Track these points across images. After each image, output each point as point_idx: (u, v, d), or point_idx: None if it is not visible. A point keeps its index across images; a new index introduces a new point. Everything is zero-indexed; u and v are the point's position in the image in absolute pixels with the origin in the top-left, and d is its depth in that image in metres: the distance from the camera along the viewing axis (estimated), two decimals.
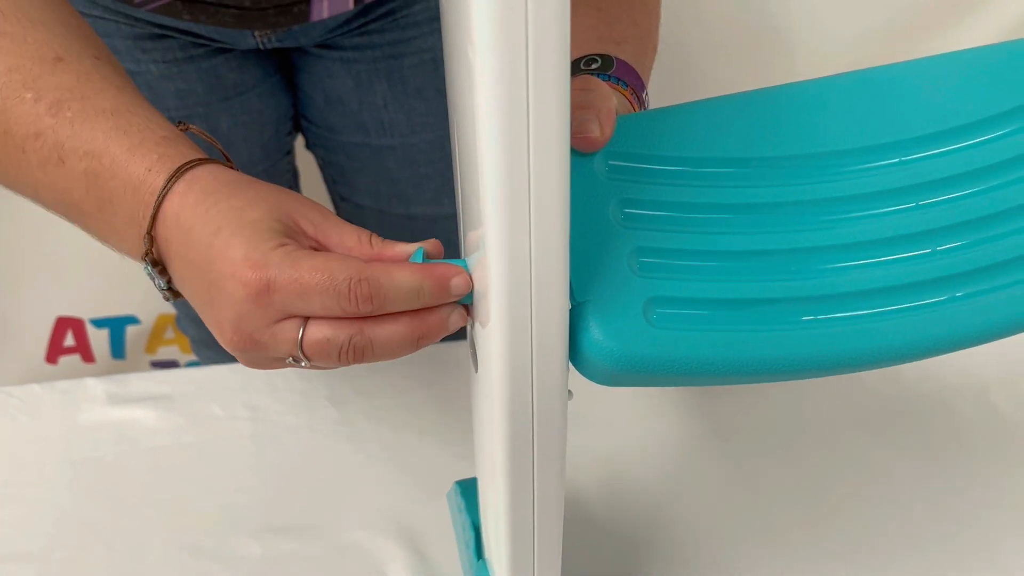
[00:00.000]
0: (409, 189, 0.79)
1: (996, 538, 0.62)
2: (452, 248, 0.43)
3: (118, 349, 1.22)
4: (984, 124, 0.42)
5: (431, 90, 0.74)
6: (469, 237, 0.40)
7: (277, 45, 0.70)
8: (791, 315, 0.37)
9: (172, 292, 0.42)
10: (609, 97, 0.41)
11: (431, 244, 0.39)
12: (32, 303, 1.17)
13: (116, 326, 1.21)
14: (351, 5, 0.67)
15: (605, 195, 0.39)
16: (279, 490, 0.64)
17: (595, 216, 0.38)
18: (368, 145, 0.77)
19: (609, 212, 0.39)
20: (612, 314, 0.36)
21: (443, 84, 0.73)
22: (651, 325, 0.36)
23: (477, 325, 0.39)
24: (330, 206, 0.87)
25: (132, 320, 1.20)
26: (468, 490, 0.58)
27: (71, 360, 1.21)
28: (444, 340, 0.40)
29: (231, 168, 0.42)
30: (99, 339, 1.21)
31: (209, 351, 0.95)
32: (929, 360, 0.75)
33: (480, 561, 0.54)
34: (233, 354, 0.39)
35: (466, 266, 0.38)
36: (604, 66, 0.47)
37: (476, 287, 0.37)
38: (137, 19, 0.65)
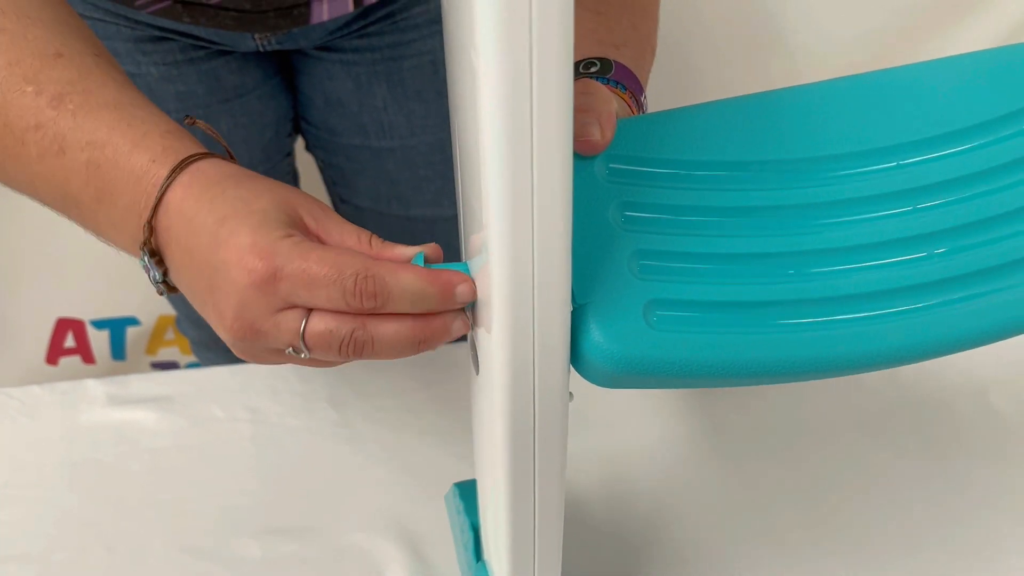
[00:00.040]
0: (409, 191, 0.79)
1: (996, 538, 0.62)
2: (452, 250, 0.43)
3: (118, 350, 1.22)
4: (981, 128, 0.43)
5: (431, 92, 0.74)
6: (471, 241, 0.40)
7: (277, 47, 0.70)
8: (790, 318, 0.37)
9: (167, 285, 0.42)
10: (609, 100, 0.41)
11: (431, 249, 0.39)
12: (32, 304, 1.17)
13: (116, 327, 1.21)
14: (351, 8, 0.67)
15: (605, 198, 0.40)
16: (279, 492, 0.64)
17: (595, 219, 0.39)
18: (368, 147, 0.77)
19: (609, 215, 0.39)
20: (612, 316, 0.36)
21: (443, 86, 0.73)
22: (651, 327, 0.36)
23: (478, 328, 0.39)
24: None
25: (132, 321, 1.21)
26: (467, 492, 0.58)
27: (71, 361, 1.21)
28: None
29: (235, 163, 0.42)
30: (99, 340, 1.21)
31: (209, 352, 0.95)
32: (928, 361, 0.75)
33: (479, 563, 0.54)
34: (231, 344, 0.39)
35: (468, 269, 0.38)
36: (603, 69, 0.48)
37: (478, 291, 0.37)
38: (137, 22, 0.66)
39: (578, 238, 0.33)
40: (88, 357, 1.22)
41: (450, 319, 0.38)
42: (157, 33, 0.67)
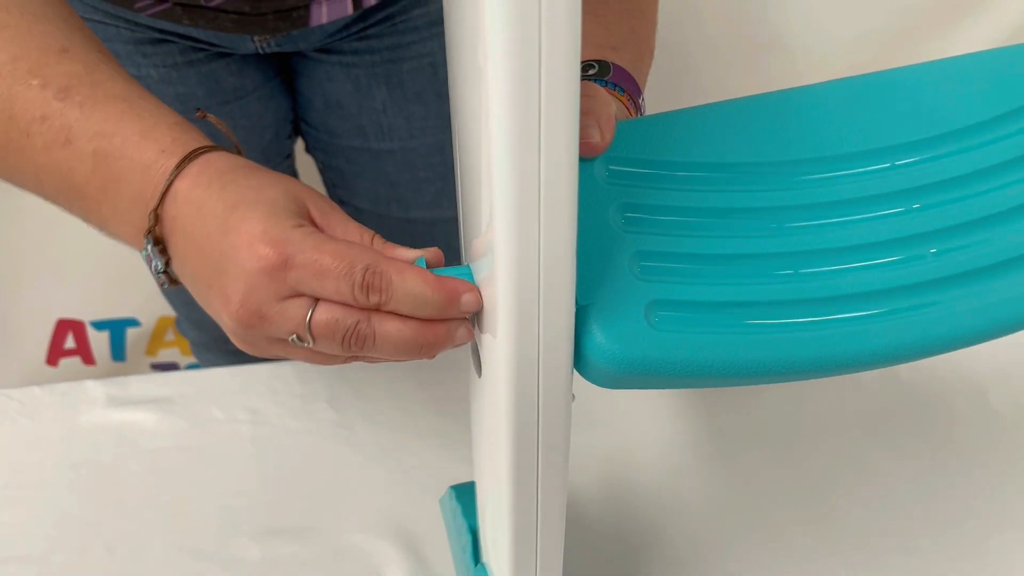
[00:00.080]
0: (408, 193, 0.79)
1: (992, 536, 0.62)
2: (452, 252, 0.43)
3: (118, 351, 1.22)
4: (974, 129, 0.43)
5: (430, 94, 0.74)
6: (473, 244, 0.40)
7: (276, 50, 0.70)
8: (791, 317, 0.38)
9: (168, 276, 0.42)
10: (608, 103, 0.41)
11: (432, 253, 0.39)
12: (32, 305, 1.17)
13: (116, 328, 1.21)
14: (350, 10, 0.67)
15: (606, 200, 0.40)
16: (278, 493, 0.64)
17: (596, 221, 0.39)
18: (367, 149, 0.77)
19: (610, 216, 0.39)
20: (614, 317, 0.36)
21: (442, 88, 0.74)
22: (653, 328, 0.36)
23: (482, 332, 0.39)
24: None
25: (132, 322, 1.21)
26: (464, 494, 0.58)
27: (71, 362, 1.21)
28: None
29: (243, 157, 0.42)
30: (99, 341, 1.21)
31: (209, 354, 0.95)
32: (926, 361, 0.76)
33: (479, 566, 0.54)
34: (232, 331, 0.39)
35: (470, 272, 0.38)
36: (601, 72, 0.48)
37: (482, 295, 0.37)
38: (137, 24, 0.66)
39: (579, 240, 0.33)
40: (88, 358, 1.22)
41: (454, 326, 0.38)
42: (157, 35, 0.67)
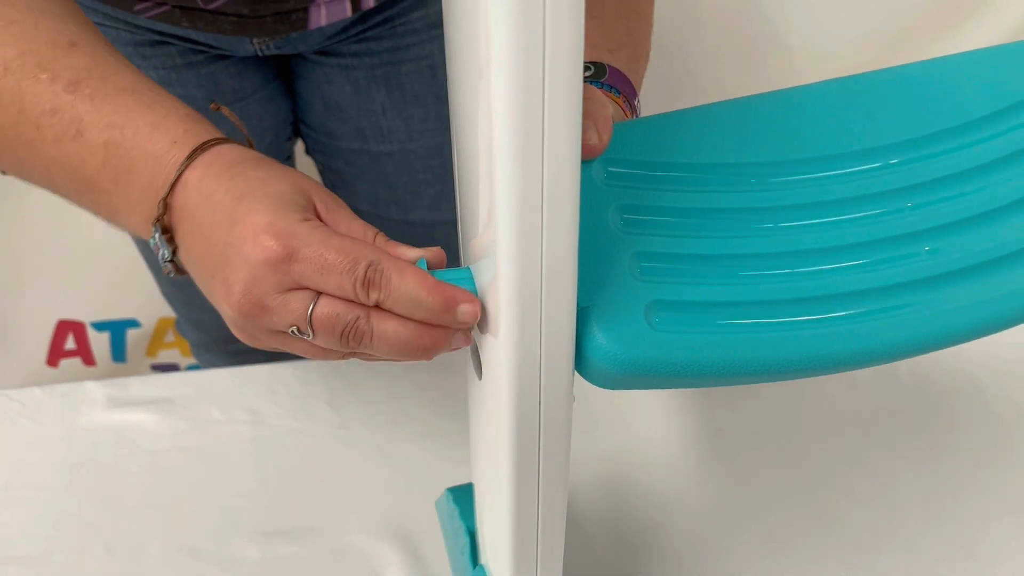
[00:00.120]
0: (407, 195, 0.79)
1: (991, 536, 0.62)
2: (451, 253, 0.43)
3: (119, 352, 1.22)
4: (966, 128, 0.44)
5: (429, 97, 0.74)
6: (471, 244, 0.40)
7: (275, 52, 0.70)
8: (788, 316, 0.38)
9: (175, 265, 0.42)
10: (605, 105, 0.41)
11: (433, 253, 0.39)
12: (33, 306, 1.17)
13: (117, 329, 1.21)
14: (349, 12, 0.67)
15: (604, 201, 0.40)
16: (278, 493, 0.64)
17: (595, 222, 0.39)
18: (367, 151, 0.77)
19: (609, 218, 0.39)
20: (614, 319, 0.36)
21: (441, 91, 0.74)
22: (653, 328, 0.36)
23: (483, 334, 0.39)
24: None
25: (133, 323, 1.21)
26: (461, 496, 0.58)
27: (72, 363, 1.21)
28: None
29: (254, 150, 0.42)
30: (100, 342, 1.21)
31: (209, 355, 0.95)
32: (925, 361, 0.76)
33: (477, 567, 0.54)
34: (232, 321, 0.39)
35: (470, 274, 0.38)
36: (597, 74, 0.48)
37: (482, 298, 0.37)
38: (137, 26, 0.66)
39: (579, 242, 0.33)
40: (88, 359, 1.22)
41: (452, 331, 0.38)
42: (156, 37, 0.67)
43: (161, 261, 0.42)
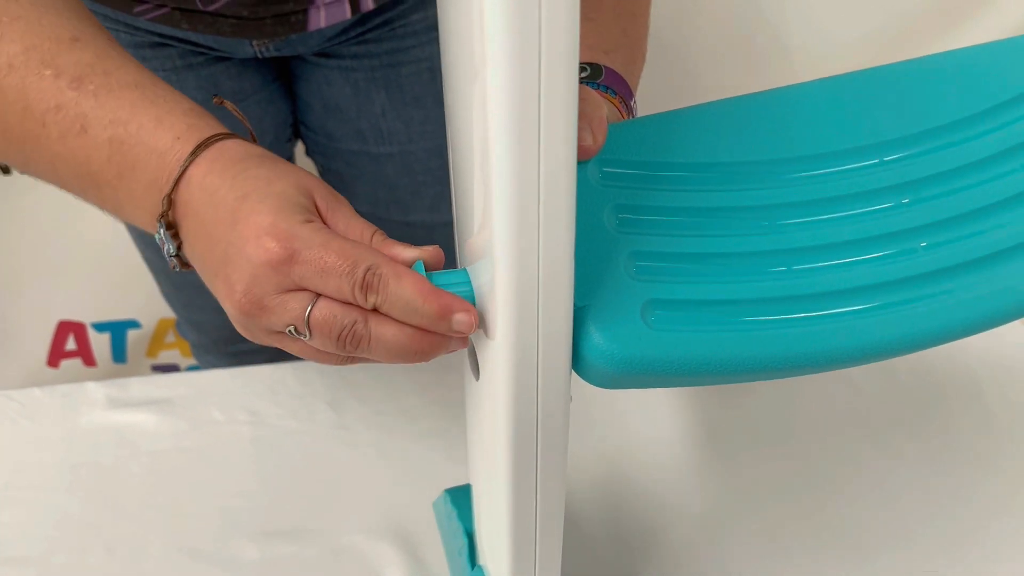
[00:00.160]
0: (407, 196, 0.80)
1: (989, 536, 0.63)
2: (451, 254, 0.44)
3: (119, 353, 1.22)
4: (963, 123, 0.44)
5: (429, 98, 0.74)
6: (467, 244, 0.40)
7: (275, 54, 0.70)
8: (785, 313, 0.38)
9: (179, 260, 0.43)
10: (600, 106, 0.41)
11: (432, 251, 0.39)
12: (34, 307, 1.17)
13: (117, 330, 1.21)
14: (348, 14, 0.67)
15: (600, 202, 0.40)
16: (277, 494, 0.64)
17: (591, 223, 0.39)
18: (366, 153, 0.78)
19: (604, 218, 0.39)
20: (611, 318, 0.36)
21: (441, 93, 0.73)
22: (649, 327, 0.36)
23: (480, 335, 0.39)
24: None
25: (133, 324, 1.21)
26: (459, 498, 0.59)
27: (72, 364, 1.21)
28: None
29: (257, 146, 0.42)
30: (100, 343, 1.21)
31: (209, 355, 0.95)
32: (922, 360, 0.76)
33: (476, 568, 0.54)
34: (234, 317, 0.40)
35: (467, 275, 0.38)
36: (593, 75, 0.48)
37: (479, 300, 0.37)
38: (137, 28, 0.66)
39: (575, 242, 0.33)
40: (89, 360, 1.22)
41: (448, 337, 0.38)
42: (156, 39, 0.67)
43: (166, 255, 0.43)
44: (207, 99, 0.71)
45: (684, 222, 0.40)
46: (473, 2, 0.30)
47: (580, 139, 0.40)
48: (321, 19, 0.66)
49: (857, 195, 0.41)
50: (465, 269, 0.39)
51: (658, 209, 0.40)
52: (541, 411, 0.36)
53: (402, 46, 0.72)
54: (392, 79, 0.73)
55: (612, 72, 0.48)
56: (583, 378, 0.37)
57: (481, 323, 0.38)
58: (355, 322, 0.37)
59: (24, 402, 0.70)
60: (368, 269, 0.37)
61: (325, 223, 0.40)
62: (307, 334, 0.38)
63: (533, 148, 0.30)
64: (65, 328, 1.19)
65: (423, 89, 0.74)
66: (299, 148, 0.86)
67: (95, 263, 1.14)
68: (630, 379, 0.37)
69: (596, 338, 0.36)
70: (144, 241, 0.83)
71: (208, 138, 0.41)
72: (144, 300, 1.15)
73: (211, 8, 0.62)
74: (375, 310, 0.37)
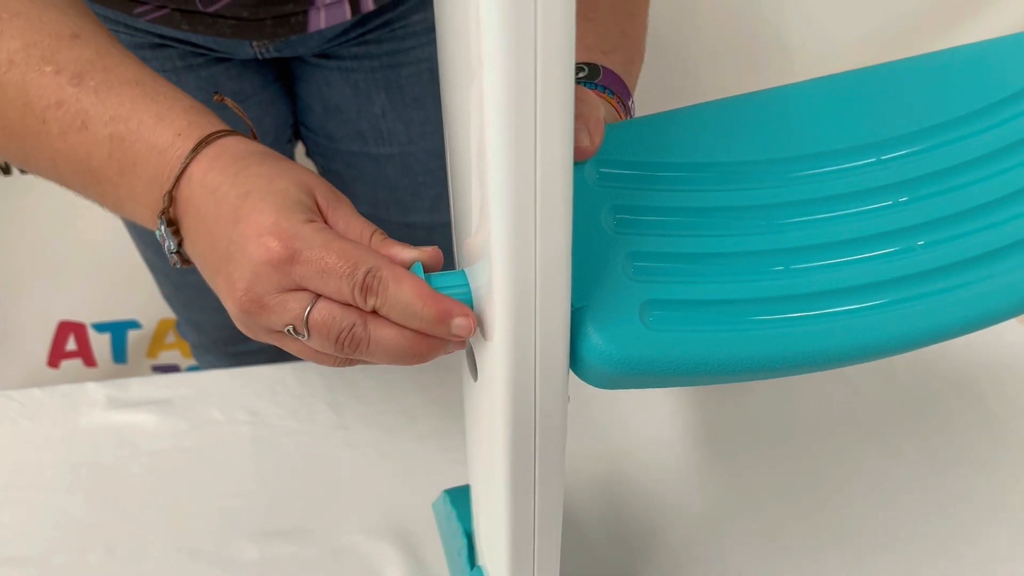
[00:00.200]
0: (407, 197, 0.80)
1: (985, 532, 0.63)
2: (450, 255, 0.44)
3: (119, 353, 1.22)
4: (957, 123, 0.44)
5: (429, 99, 0.74)
6: (464, 245, 0.41)
7: (275, 55, 0.70)
8: (781, 313, 0.38)
9: (180, 256, 0.43)
10: (597, 106, 0.41)
11: (429, 253, 0.39)
12: (34, 307, 1.18)
13: (118, 330, 1.21)
14: (348, 15, 0.67)
15: (597, 202, 0.40)
16: (277, 494, 0.65)
17: (589, 223, 0.39)
18: (366, 154, 0.78)
19: (602, 219, 0.40)
20: (609, 319, 0.36)
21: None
22: (647, 328, 0.36)
23: (478, 336, 0.39)
24: None
25: (134, 324, 1.21)
26: (458, 498, 0.59)
27: (73, 364, 1.22)
28: None
29: (258, 143, 0.42)
30: (101, 343, 1.21)
31: (209, 356, 0.95)
32: (921, 360, 0.76)
33: (475, 569, 0.54)
34: (234, 315, 0.40)
35: (465, 276, 0.38)
36: (591, 75, 0.48)
37: (477, 301, 0.37)
38: (136, 29, 0.66)
39: (573, 243, 0.33)
40: (89, 360, 1.22)
41: (447, 340, 0.38)
42: (156, 40, 0.67)
43: (167, 252, 0.43)
44: (207, 100, 0.71)
45: (682, 222, 0.40)
46: (470, 2, 0.30)
47: (577, 140, 0.40)
48: (321, 20, 0.66)
49: (855, 194, 0.41)
50: (463, 271, 0.39)
51: (656, 209, 0.40)
52: (539, 411, 0.36)
53: (402, 47, 0.72)
54: (392, 80, 0.73)
55: (610, 72, 0.49)
56: (582, 378, 0.37)
57: (479, 324, 0.38)
58: (354, 325, 0.37)
59: (24, 402, 0.70)
60: (368, 272, 0.37)
61: (326, 221, 0.40)
62: (306, 334, 0.38)
63: (529, 149, 0.30)
64: (65, 328, 1.20)
65: (423, 90, 0.74)
66: (299, 149, 0.86)
67: (95, 263, 1.14)
68: (629, 379, 0.37)
69: (594, 339, 0.36)
70: (144, 241, 0.83)
71: (209, 135, 0.41)
72: (144, 300, 1.15)
73: (211, 9, 0.62)
74: (374, 312, 0.38)
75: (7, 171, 1.08)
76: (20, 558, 0.60)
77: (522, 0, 0.28)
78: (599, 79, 0.48)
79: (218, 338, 0.91)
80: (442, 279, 0.38)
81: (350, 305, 0.38)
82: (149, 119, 0.41)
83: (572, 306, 0.36)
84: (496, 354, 0.35)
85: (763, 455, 0.68)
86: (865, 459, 0.67)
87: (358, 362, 0.40)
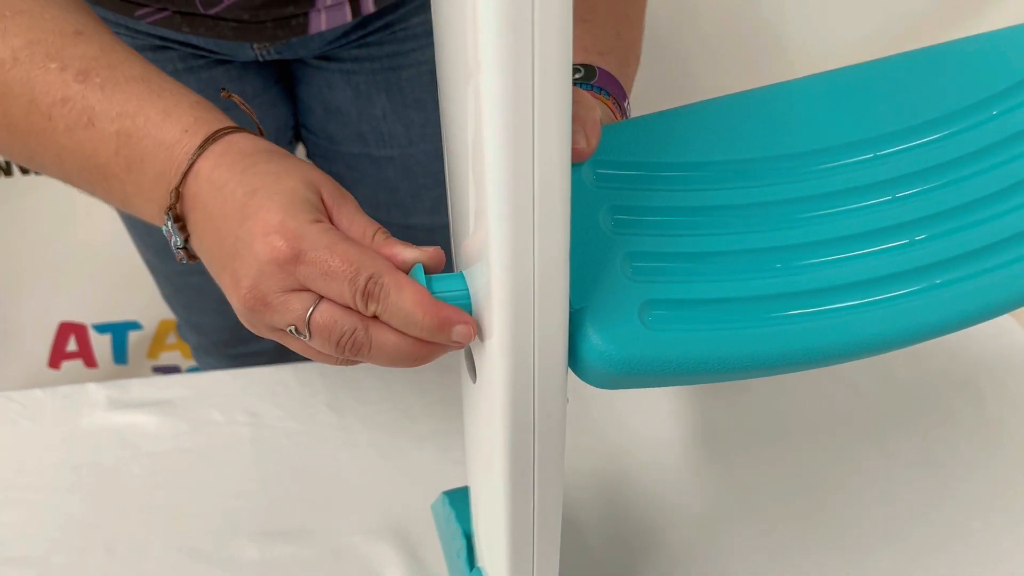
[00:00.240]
0: (408, 199, 0.80)
1: (984, 531, 0.63)
2: (449, 257, 0.44)
3: (120, 354, 1.23)
4: (953, 117, 0.44)
5: (429, 101, 0.74)
6: (462, 246, 0.41)
7: (276, 57, 0.70)
8: (780, 310, 0.38)
9: (187, 252, 0.43)
10: (593, 108, 0.41)
11: (431, 254, 0.39)
12: (35, 308, 1.18)
13: (118, 331, 1.21)
14: (348, 18, 0.67)
15: (595, 203, 0.40)
16: (277, 494, 0.65)
17: (587, 224, 0.39)
18: (367, 155, 0.78)
19: (600, 219, 0.40)
20: (609, 319, 0.36)
21: None
22: (647, 328, 0.37)
23: (476, 338, 0.39)
24: None
25: (134, 325, 1.21)
26: (457, 500, 0.59)
27: (73, 365, 1.22)
28: None
29: (264, 139, 0.42)
30: (101, 344, 1.21)
31: (209, 358, 0.95)
32: (920, 360, 0.76)
33: (474, 570, 0.54)
34: (238, 311, 0.40)
35: (464, 279, 0.38)
36: (587, 76, 0.48)
37: (476, 303, 0.38)
38: (137, 31, 0.66)
39: (572, 244, 0.34)
40: (90, 361, 1.22)
41: (447, 345, 0.38)
42: (157, 42, 0.67)
43: (173, 248, 0.43)
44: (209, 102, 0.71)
45: (679, 221, 0.40)
46: (466, 5, 0.30)
47: (573, 141, 0.40)
48: (322, 22, 0.66)
49: (853, 190, 0.41)
50: (462, 273, 0.39)
51: (653, 209, 0.41)
52: (538, 412, 0.36)
53: (403, 49, 0.72)
54: (393, 82, 0.73)
55: (605, 73, 0.49)
56: (582, 379, 0.37)
57: (478, 325, 0.38)
58: (355, 329, 0.38)
59: (25, 403, 0.70)
60: (370, 278, 0.37)
61: (331, 219, 0.40)
62: (307, 335, 0.38)
63: (527, 150, 0.30)
64: (66, 329, 1.20)
65: (424, 92, 0.74)
66: (300, 151, 0.86)
67: (96, 264, 1.14)
68: (629, 379, 0.37)
69: (594, 339, 0.36)
70: (144, 243, 0.83)
71: (216, 131, 0.41)
72: (145, 302, 1.15)
73: (212, 11, 0.63)
74: (375, 317, 0.38)
75: (8, 172, 1.08)
76: (21, 558, 0.60)
77: (520, 2, 0.28)
78: (595, 80, 0.48)
79: (218, 340, 0.91)
80: (442, 283, 0.38)
81: (352, 309, 0.38)
82: (155, 115, 0.41)
83: (571, 307, 0.36)
84: (495, 356, 0.35)
85: (763, 455, 0.68)
86: (864, 459, 0.67)
87: (359, 362, 0.40)
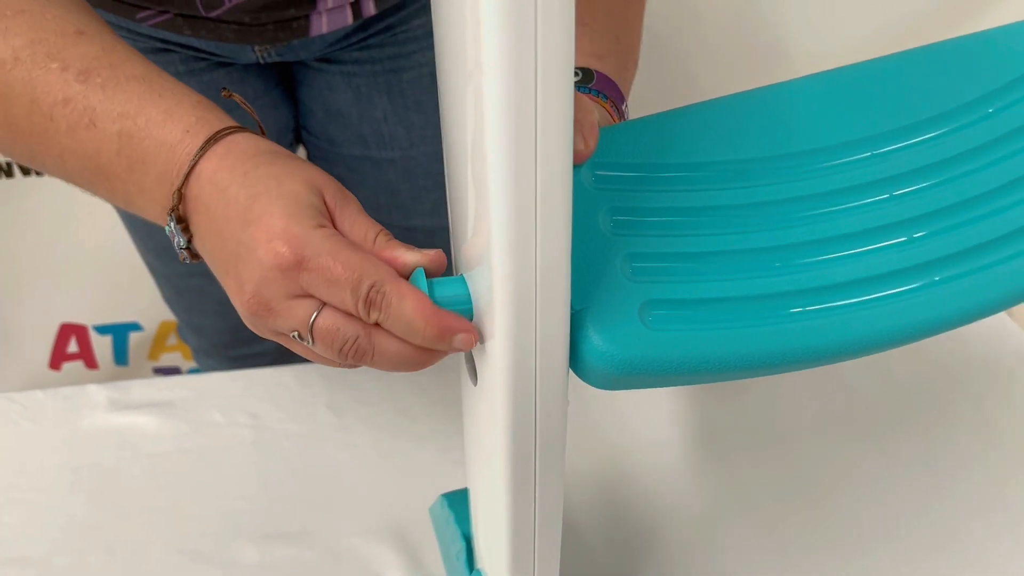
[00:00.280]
0: (408, 201, 0.80)
1: (983, 531, 0.63)
2: (450, 259, 0.44)
3: (121, 355, 1.23)
4: (949, 115, 0.44)
5: (430, 104, 0.74)
6: (462, 250, 0.41)
7: (277, 59, 0.70)
8: (780, 309, 0.38)
9: (190, 252, 0.43)
10: (591, 111, 0.42)
11: (432, 257, 0.39)
12: (36, 309, 1.18)
13: (119, 333, 1.21)
14: (350, 20, 0.67)
15: (594, 205, 0.40)
16: (278, 496, 0.65)
17: (586, 226, 0.39)
18: (368, 158, 0.78)
19: (599, 221, 0.40)
20: (609, 320, 0.36)
21: None
22: (647, 328, 0.37)
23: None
24: None
25: (135, 327, 1.21)
26: (456, 502, 0.59)
27: (74, 366, 1.22)
28: None
29: (266, 139, 0.42)
30: (102, 345, 1.21)
31: (210, 360, 0.95)
32: (919, 361, 0.76)
33: (474, 572, 0.54)
34: (242, 314, 0.40)
35: (464, 282, 0.38)
36: (585, 79, 0.48)
37: (477, 306, 0.38)
38: (139, 34, 0.66)
39: (572, 246, 0.34)
40: (91, 362, 1.22)
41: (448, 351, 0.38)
42: (158, 45, 0.67)
43: (176, 248, 0.43)
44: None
45: (678, 222, 0.40)
46: (467, 8, 0.30)
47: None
48: (323, 25, 0.66)
49: (852, 188, 0.42)
50: (463, 277, 0.39)
51: (652, 210, 0.41)
52: (539, 414, 0.37)
53: (404, 51, 0.72)
54: (394, 84, 0.73)
55: (604, 77, 0.49)
56: (583, 380, 0.38)
57: (479, 327, 0.38)
58: (357, 337, 0.38)
59: (26, 404, 0.70)
60: (372, 286, 0.37)
61: (333, 221, 0.40)
62: (310, 341, 0.38)
63: (530, 153, 0.30)
64: (67, 330, 1.20)
65: (424, 94, 0.74)
66: (300, 153, 0.86)
67: (97, 266, 1.14)
68: (630, 380, 0.37)
69: (595, 340, 0.36)
70: (145, 245, 0.83)
71: (218, 132, 0.41)
72: (146, 303, 1.15)
73: (213, 14, 0.63)
74: (377, 325, 0.38)
75: (9, 173, 1.08)
76: (21, 559, 0.60)
77: (522, 5, 0.28)
78: (593, 83, 0.48)
79: (219, 342, 0.91)
80: (443, 288, 0.38)
81: (354, 316, 0.38)
82: (157, 115, 0.41)
83: (572, 308, 0.37)
84: (496, 359, 0.36)
85: (762, 455, 0.68)
86: (863, 459, 0.68)
87: (361, 365, 0.40)
